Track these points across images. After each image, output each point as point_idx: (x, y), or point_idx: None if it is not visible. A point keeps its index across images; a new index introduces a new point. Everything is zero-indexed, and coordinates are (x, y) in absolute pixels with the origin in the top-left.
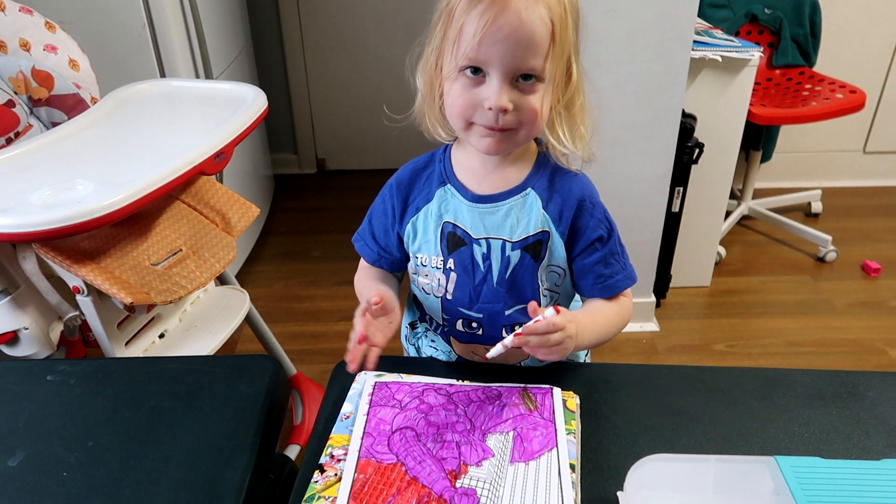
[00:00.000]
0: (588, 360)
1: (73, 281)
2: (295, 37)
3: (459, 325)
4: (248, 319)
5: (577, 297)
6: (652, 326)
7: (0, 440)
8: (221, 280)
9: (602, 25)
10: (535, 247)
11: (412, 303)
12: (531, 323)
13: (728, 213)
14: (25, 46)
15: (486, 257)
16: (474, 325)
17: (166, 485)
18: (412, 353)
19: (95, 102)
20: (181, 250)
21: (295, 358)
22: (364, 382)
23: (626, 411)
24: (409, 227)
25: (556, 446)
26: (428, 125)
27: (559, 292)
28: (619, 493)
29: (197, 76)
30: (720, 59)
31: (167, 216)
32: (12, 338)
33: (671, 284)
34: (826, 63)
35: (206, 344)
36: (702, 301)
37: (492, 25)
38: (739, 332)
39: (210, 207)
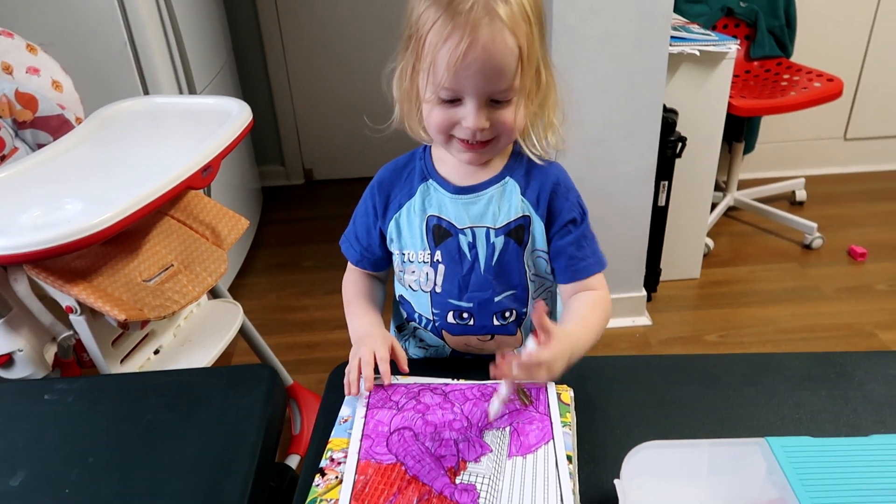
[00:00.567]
0: None
1: (65, 301)
2: (276, 49)
3: (450, 318)
4: (243, 332)
5: None
6: (644, 320)
7: (0, 460)
8: (214, 293)
9: (580, 26)
10: (517, 231)
11: (398, 305)
12: (524, 357)
13: (714, 205)
14: (8, 70)
15: (472, 246)
16: (465, 315)
17: (169, 496)
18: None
19: (80, 122)
20: (172, 265)
21: (291, 368)
22: (360, 387)
23: (619, 402)
24: (391, 224)
25: (553, 439)
26: (409, 130)
27: (550, 280)
28: (615, 481)
29: (180, 92)
30: (698, 53)
31: (157, 232)
32: (7, 360)
33: (661, 278)
34: (803, 53)
35: (201, 358)
36: (692, 293)
37: (462, 61)
38: (730, 321)
39: (199, 222)
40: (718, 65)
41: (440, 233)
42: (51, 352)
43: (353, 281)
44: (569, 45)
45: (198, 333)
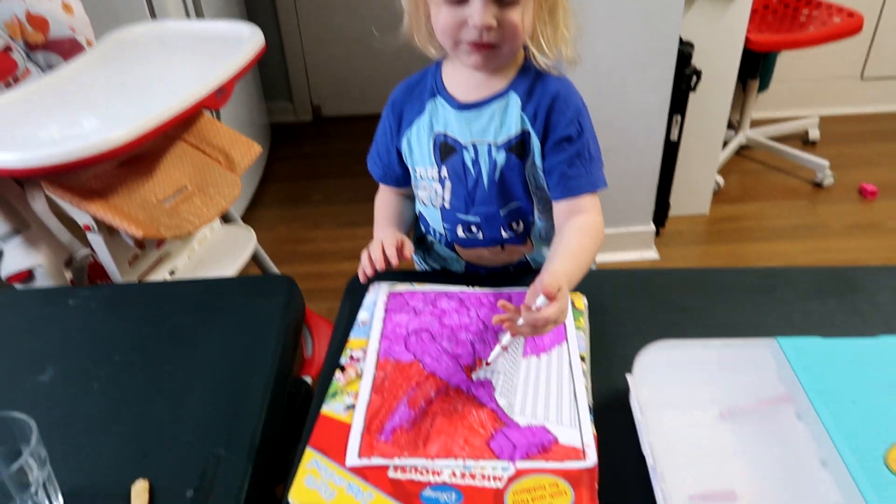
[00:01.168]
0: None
1: (82, 219)
2: None
3: (460, 232)
4: (255, 259)
5: None
6: (652, 255)
7: (30, 358)
8: (226, 219)
9: None
10: (518, 147)
11: (417, 221)
12: (528, 315)
13: (725, 144)
14: None
15: (476, 162)
16: (474, 229)
17: (196, 393)
18: (422, 267)
19: (91, 45)
20: (187, 188)
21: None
22: (378, 292)
23: (631, 309)
24: (405, 142)
25: (567, 340)
26: (418, 43)
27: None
28: (627, 376)
29: (187, 17)
30: None
31: (171, 156)
32: (27, 276)
33: (670, 213)
34: None
35: None
36: (701, 229)
37: None
38: (738, 257)
39: (212, 146)
40: None
41: (446, 149)
42: (67, 276)
43: (381, 199)
44: None
45: (212, 257)
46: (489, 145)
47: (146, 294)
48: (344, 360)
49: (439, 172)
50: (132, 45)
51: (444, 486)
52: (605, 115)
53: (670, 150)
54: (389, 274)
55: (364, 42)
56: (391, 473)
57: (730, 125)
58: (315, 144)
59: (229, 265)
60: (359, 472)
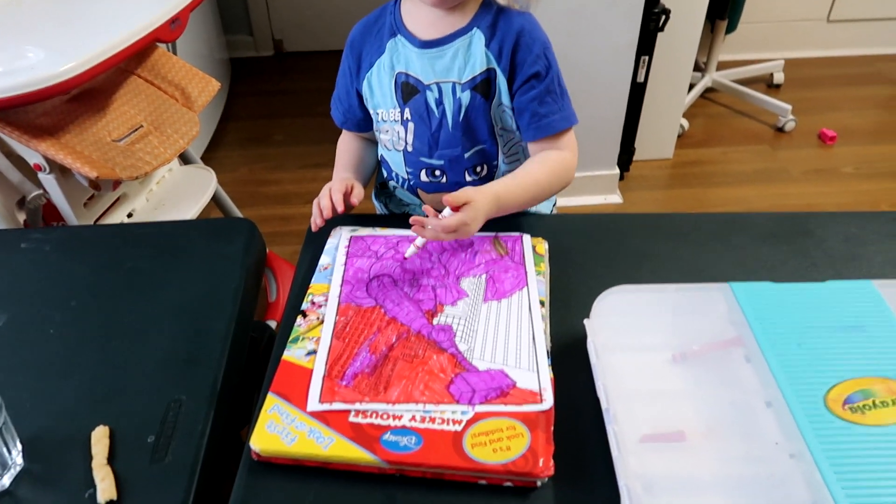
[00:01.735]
0: (555, 212)
1: (33, 158)
2: None
3: (423, 176)
4: (216, 201)
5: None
6: (616, 199)
7: None
8: (185, 159)
9: None
10: (483, 86)
11: (380, 165)
12: (431, 221)
13: (692, 87)
14: None
15: (439, 102)
16: (437, 172)
17: (156, 335)
18: (382, 211)
19: None
20: (142, 126)
21: (266, 240)
22: (340, 237)
23: (592, 254)
24: (365, 83)
25: (527, 285)
26: None
27: (518, 135)
28: (585, 321)
29: None
30: None
31: (125, 91)
32: None
33: (634, 157)
34: None
35: None
36: (664, 173)
37: None
38: (700, 201)
39: (168, 82)
40: None
41: (408, 89)
42: (20, 217)
43: (343, 144)
44: None
45: (171, 198)
46: (453, 84)
47: (103, 236)
48: (305, 305)
49: (402, 114)
50: None
51: (404, 430)
52: (571, 55)
53: (636, 93)
54: (350, 218)
55: None
56: (352, 418)
57: (696, 67)
58: (277, 81)
59: (189, 207)
60: (320, 416)
